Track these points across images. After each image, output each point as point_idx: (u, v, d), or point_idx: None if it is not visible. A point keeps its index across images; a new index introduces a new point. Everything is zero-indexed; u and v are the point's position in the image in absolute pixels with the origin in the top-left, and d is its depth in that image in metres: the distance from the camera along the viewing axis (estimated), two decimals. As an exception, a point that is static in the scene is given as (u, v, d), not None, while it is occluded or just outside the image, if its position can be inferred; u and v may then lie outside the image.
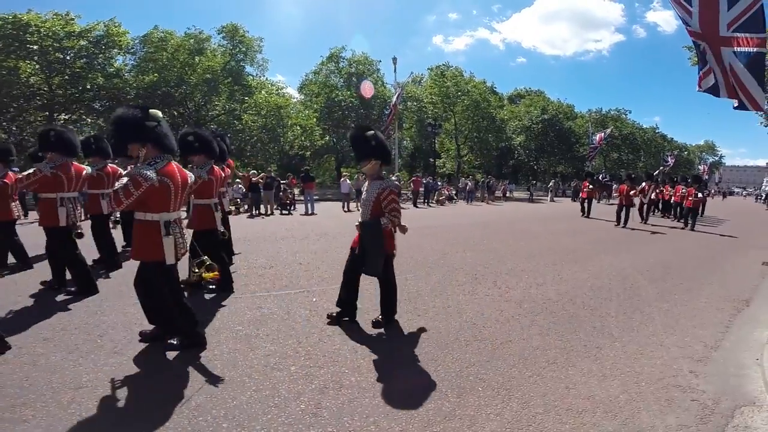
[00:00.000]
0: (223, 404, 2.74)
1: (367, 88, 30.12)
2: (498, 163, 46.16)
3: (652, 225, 14.36)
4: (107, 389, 2.90)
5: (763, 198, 22.22)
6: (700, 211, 17.74)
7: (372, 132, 4.05)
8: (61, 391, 2.84)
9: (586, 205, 16.67)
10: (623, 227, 13.13)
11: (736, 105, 5.44)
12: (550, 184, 34.39)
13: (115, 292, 5.19)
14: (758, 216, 22.17)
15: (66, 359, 3.32)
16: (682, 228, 13.42)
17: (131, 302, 4.75)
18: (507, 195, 31.92)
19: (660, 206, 18.38)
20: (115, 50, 26.68)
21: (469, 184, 27.61)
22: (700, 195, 13.63)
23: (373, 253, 3.93)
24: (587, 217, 16.20)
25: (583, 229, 12.92)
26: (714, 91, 5.52)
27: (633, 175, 15.82)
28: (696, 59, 5.95)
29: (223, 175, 5.71)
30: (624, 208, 13.58)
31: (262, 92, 32.49)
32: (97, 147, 6.33)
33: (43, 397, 2.76)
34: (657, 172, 18.53)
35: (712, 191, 57.46)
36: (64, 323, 4.09)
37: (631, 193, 13.85)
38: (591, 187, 16.96)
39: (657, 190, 17.29)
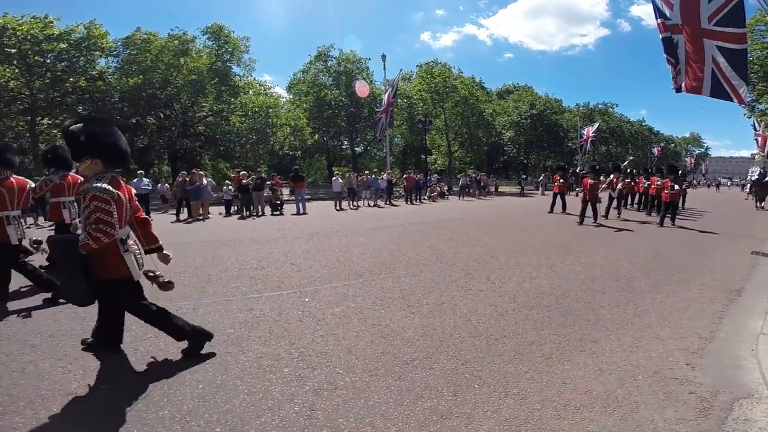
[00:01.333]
0: (216, 408, 2.68)
1: (362, 88, 30.05)
2: (489, 158, 46.37)
3: (624, 220, 13.25)
4: (97, 396, 2.85)
5: (747, 188, 21.92)
6: (681, 204, 16.82)
7: (80, 125, 3.14)
8: (50, 398, 2.80)
9: (559, 200, 15.34)
10: (594, 224, 11.84)
11: (708, 94, 5.47)
12: (540, 178, 34.60)
13: (102, 297, 5.08)
14: (741, 206, 21.40)
15: (55, 366, 3.27)
16: (659, 225, 11.79)
17: (119, 307, 4.67)
18: (498, 190, 32.10)
19: (637, 200, 17.43)
20: (97, 52, 26.32)
21: (463, 179, 27.70)
22: (677, 187, 12.04)
23: (68, 277, 3.13)
24: (563, 212, 14.92)
25: (571, 221, 12.92)
26: (678, 84, 5.55)
27: (598, 167, 14.63)
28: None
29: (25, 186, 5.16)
30: (589, 204, 12.23)
31: (250, 92, 32.24)
32: (54, 156, 6.08)
33: (32, 405, 2.72)
34: (627, 162, 17.30)
35: (699, 182, 58.33)
36: (52, 330, 4.02)
37: (602, 186, 12.93)
38: (562, 180, 15.76)
39: (629, 183, 16.26)
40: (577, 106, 56.39)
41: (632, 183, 16.87)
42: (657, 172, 16.59)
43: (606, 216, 13.32)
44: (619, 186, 14.51)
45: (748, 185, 19.72)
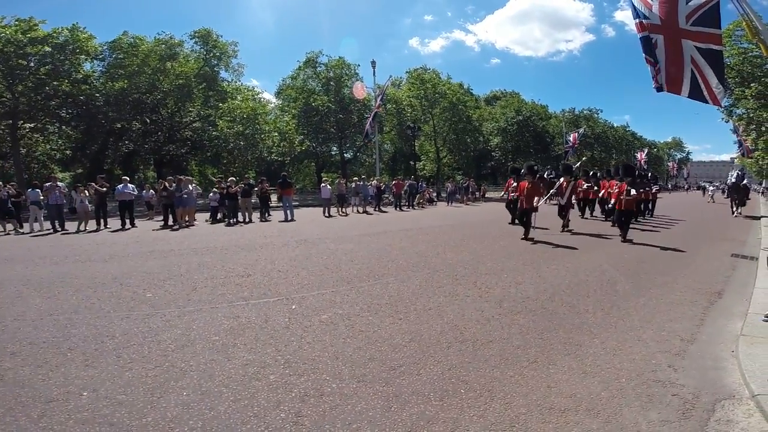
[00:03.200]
0: (200, 415, 2.65)
1: (359, 89, 30.04)
2: (476, 164, 46.73)
3: (571, 232, 11.36)
4: (79, 402, 2.80)
5: (725, 192, 20.79)
6: (649, 211, 16.01)
7: None
8: (30, 406, 2.77)
9: (514, 207, 12.69)
10: (524, 238, 9.90)
11: (686, 95, 5.57)
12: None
13: (86, 304, 5.01)
14: (716, 212, 20.02)
15: (35, 373, 3.23)
16: (622, 239, 9.90)
17: (102, 314, 4.62)
18: (485, 195, 32.31)
19: (596, 207, 15.78)
20: (82, 56, 25.91)
21: (450, 186, 27.86)
22: (633, 192, 9.93)
23: None
24: (513, 223, 12.84)
25: (557, 227, 12.97)
26: (659, 83, 5.63)
27: (536, 167, 11.87)
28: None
29: None
30: (524, 213, 10.20)
31: (238, 98, 32.08)
32: None
33: (12, 412, 2.70)
34: (578, 164, 14.32)
35: (683, 186, 59.37)
36: (31, 337, 3.97)
37: (545, 191, 11.36)
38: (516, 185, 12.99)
39: (591, 187, 14.81)
40: (562, 111, 57.30)
41: (593, 187, 15.06)
42: (615, 175, 13.95)
43: (566, 226, 11.75)
44: (567, 192, 12.10)
45: (724, 189, 19.43)
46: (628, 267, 7.09)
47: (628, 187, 10.07)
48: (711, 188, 31.18)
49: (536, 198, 9.93)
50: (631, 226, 12.46)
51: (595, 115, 58.60)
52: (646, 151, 55.02)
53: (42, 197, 13.54)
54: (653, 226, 13.41)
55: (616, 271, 6.73)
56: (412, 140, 35.68)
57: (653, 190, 16.60)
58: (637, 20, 5.62)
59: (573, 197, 12.75)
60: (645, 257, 8.05)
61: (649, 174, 20.16)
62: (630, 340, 3.93)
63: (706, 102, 5.43)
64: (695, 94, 5.46)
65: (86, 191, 13.99)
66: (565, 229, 11.74)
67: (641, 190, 13.17)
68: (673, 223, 14.73)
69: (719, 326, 4.30)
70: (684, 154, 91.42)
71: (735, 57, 18.92)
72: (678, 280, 6.24)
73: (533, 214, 10.02)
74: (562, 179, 12.74)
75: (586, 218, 15.26)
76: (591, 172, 17.77)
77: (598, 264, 7.32)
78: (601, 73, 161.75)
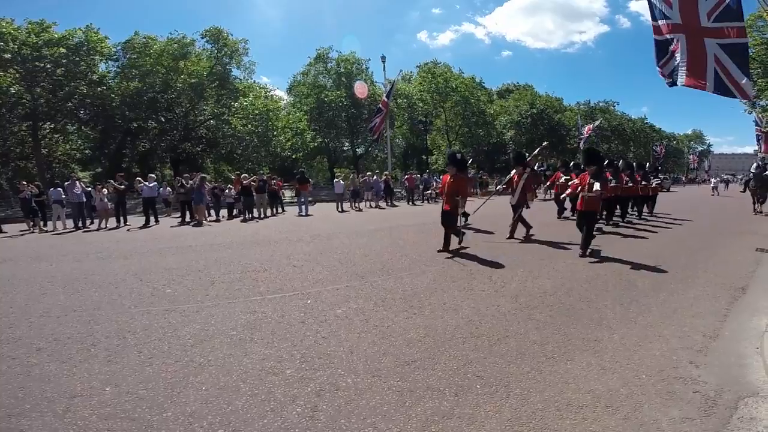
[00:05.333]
0: (219, 410, 2.69)
1: (361, 89, 30.04)
2: (490, 158, 46.31)
3: (518, 240, 9.02)
4: (102, 398, 2.87)
5: (744, 184, 18.63)
6: (649, 209, 13.72)
7: None
8: (56, 401, 2.83)
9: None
10: (440, 250, 7.71)
11: (710, 89, 5.45)
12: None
13: (107, 300, 5.13)
14: (734, 208, 17.32)
15: (60, 369, 3.31)
16: (580, 253, 7.32)
17: (124, 310, 4.72)
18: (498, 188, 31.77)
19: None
20: (97, 57, 26.35)
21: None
22: (597, 187, 7.24)
23: None
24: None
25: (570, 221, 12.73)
26: (674, 79, 5.52)
27: (458, 155, 8.69)
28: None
29: None
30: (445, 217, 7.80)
31: (250, 95, 32.29)
32: None
33: (38, 407, 2.76)
34: (537, 150, 11.56)
35: (704, 180, 57.95)
36: (56, 333, 4.07)
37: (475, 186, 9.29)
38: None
39: (562, 181, 12.41)
40: (577, 104, 56.39)
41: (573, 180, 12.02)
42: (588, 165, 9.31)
43: (511, 234, 9.25)
44: (519, 187, 9.37)
45: (745, 180, 17.64)
46: (647, 261, 6.93)
47: (591, 180, 7.44)
48: (714, 180, 30.66)
49: (460, 199, 7.67)
50: (621, 225, 11.14)
51: (612, 108, 57.54)
52: (664, 143, 53.86)
53: (64, 196, 13.88)
54: (648, 228, 10.97)
55: (636, 265, 6.60)
56: (424, 135, 35.49)
57: (652, 184, 14.08)
58: (655, 22, 5.51)
59: (534, 193, 10.15)
60: (664, 251, 7.87)
61: (646, 165, 17.13)
62: (650, 335, 3.85)
63: (734, 96, 5.32)
64: (721, 89, 5.35)
65: (105, 188, 14.27)
66: (512, 236, 9.15)
67: (617, 184, 11.28)
68: (674, 224, 11.82)
69: (743, 322, 4.18)
70: (705, 147, 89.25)
71: (758, 47, 18.37)
72: (699, 274, 6.10)
73: (455, 218, 7.76)
74: (513, 172, 9.96)
75: (566, 217, 12.63)
76: (543, 164, 15.36)
77: (616, 258, 7.19)
78: (617, 65, 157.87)
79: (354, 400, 2.81)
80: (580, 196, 7.73)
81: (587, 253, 7.27)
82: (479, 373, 3.16)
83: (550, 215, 12.97)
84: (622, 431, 2.47)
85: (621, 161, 14.40)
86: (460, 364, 3.30)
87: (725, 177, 44.12)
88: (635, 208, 13.54)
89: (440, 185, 8.85)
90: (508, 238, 9.15)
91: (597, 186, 7.30)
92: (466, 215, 10.51)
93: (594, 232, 8.00)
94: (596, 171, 7.58)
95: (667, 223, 12.18)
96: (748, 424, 2.52)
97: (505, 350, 3.56)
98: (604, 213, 11.25)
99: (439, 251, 7.69)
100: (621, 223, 11.65)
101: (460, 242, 7.99)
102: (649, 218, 13.17)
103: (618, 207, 12.14)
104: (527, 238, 9.12)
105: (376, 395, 2.86)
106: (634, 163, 14.80)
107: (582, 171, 9.29)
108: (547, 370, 3.21)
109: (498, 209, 11.69)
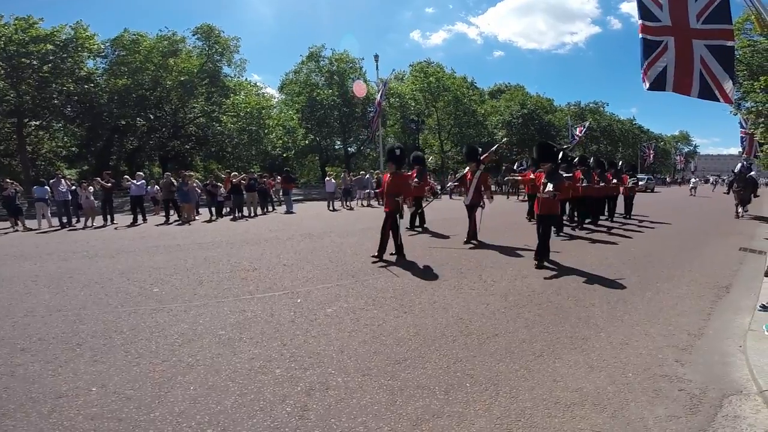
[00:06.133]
0: (207, 410, 2.67)
1: (359, 88, 29.91)
2: (533, 158, 46.42)
3: (473, 246, 8.21)
4: (88, 398, 2.83)
5: (726, 184, 18.06)
6: (626, 211, 13.16)
7: None
8: (41, 401, 2.80)
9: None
10: (374, 257, 7.00)
11: (695, 94, 5.49)
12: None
13: (93, 299, 5.05)
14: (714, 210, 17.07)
15: (45, 369, 3.27)
16: (536, 264, 6.52)
17: (110, 310, 4.65)
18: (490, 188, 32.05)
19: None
20: (85, 54, 25.92)
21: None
22: (550, 187, 6.47)
23: None
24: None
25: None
26: (658, 84, 5.55)
27: (397, 150, 7.46)
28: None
29: None
30: (388, 225, 7.04)
31: (241, 93, 32.05)
32: None
33: (23, 407, 2.73)
34: (494, 148, 10.85)
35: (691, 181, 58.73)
36: (41, 333, 4.01)
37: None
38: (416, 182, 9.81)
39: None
40: (568, 105, 56.92)
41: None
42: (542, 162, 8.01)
43: (468, 239, 8.50)
44: (473, 186, 8.54)
45: (729, 181, 17.16)
46: (635, 260, 7.04)
47: (545, 180, 6.68)
48: (693, 181, 31.43)
49: (401, 199, 6.94)
50: (594, 230, 10.30)
51: (601, 109, 58.15)
52: (653, 144, 54.48)
53: (49, 194, 13.63)
54: (619, 232, 10.19)
55: (623, 265, 6.70)
56: (416, 134, 35.52)
57: (629, 184, 13.46)
58: (642, 22, 5.53)
59: (491, 192, 8.96)
60: (652, 250, 7.99)
61: (620, 163, 15.73)
62: (637, 334, 3.91)
63: (718, 100, 5.37)
64: (705, 93, 5.39)
65: (91, 186, 14.05)
66: (471, 239, 8.45)
67: (590, 184, 10.56)
68: (649, 229, 10.86)
69: (727, 321, 4.26)
70: (691, 148, 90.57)
71: (744, 49, 18.68)
72: (685, 274, 6.20)
73: (393, 222, 7.02)
74: (466, 169, 9.07)
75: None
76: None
77: (605, 257, 7.28)
78: (608, 66, 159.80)
79: (344, 399, 2.80)
80: (536, 197, 6.97)
81: (543, 264, 6.51)
82: (469, 371, 3.18)
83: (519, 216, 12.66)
84: (609, 429, 2.50)
85: (591, 159, 12.95)
86: (450, 363, 3.31)
87: (711, 178, 44.92)
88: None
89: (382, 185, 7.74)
90: (466, 242, 8.41)
91: (550, 186, 6.48)
92: (421, 220, 10.49)
93: (560, 235, 7.96)
94: (551, 169, 6.79)
95: (642, 226, 11.40)
96: (733, 422, 2.56)
97: (495, 349, 3.58)
98: (575, 217, 10.94)
99: (373, 257, 6.98)
100: (594, 228, 10.84)
101: (397, 254, 7.12)
102: (624, 221, 12.37)
103: (594, 208, 11.51)
104: (468, 241, 8.44)
105: (367, 394, 2.86)
106: (605, 161, 13.66)
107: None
108: (536, 368, 3.24)
109: (459, 212, 10.38)
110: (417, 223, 10.67)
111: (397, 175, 7.20)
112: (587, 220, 11.33)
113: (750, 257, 7.41)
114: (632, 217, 13.24)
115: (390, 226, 7.05)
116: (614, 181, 12.49)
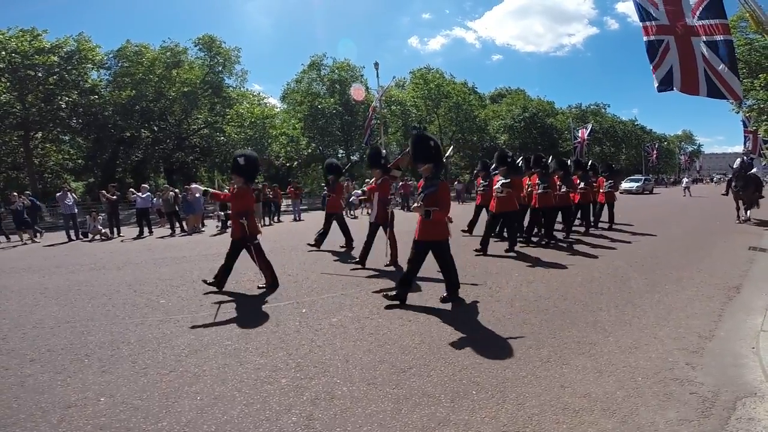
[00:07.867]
0: (214, 420, 2.67)
1: (358, 92, 30.04)
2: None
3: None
4: (96, 408, 2.85)
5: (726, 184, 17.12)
6: (610, 220, 11.17)
7: None
8: (50, 411, 2.82)
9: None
10: (355, 262, 7.18)
11: (704, 94, 5.45)
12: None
13: (101, 311, 5.08)
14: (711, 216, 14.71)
15: (54, 379, 3.30)
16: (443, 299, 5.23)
17: (117, 321, 4.67)
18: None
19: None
20: (89, 65, 26.22)
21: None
22: (501, 184, 6.81)
23: None
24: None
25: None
26: (667, 84, 5.51)
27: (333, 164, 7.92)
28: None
29: None
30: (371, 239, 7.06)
31: (244, 103, 32.28)
32: None
33: (33, 417, 2.75)
34: (400, 156, 9.10)
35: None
36: (50, 344, 4.04)
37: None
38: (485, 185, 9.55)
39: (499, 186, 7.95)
40: (569, 107, 56.99)
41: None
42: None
43: (392, 260, 7.16)
44: (376, 197, 7.31)
45: (727, 180, 15.56)
46: (642, 262, 6.97)
47: (499, 185, 7.01)
48: (686, 181, 31.18)
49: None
50: (557, 241, 8.76)
51: (603, 110, 58.12)
52: (656, 145, 54.16)
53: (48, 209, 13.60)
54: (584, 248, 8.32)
55: (630, 267, 6.64)
56: (418, 140, 35.50)
57: (604, 189, 11.53)
58: (643, 23, 5.52)
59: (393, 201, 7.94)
60: (659, 252, 7.92)
61: (590, 163, 12.46)
62: (645, 337, 3.86)
63: (726, 98, 5.32)
64: (713, 92, 5.34)
65: (98, 217, 13.86)
66: (394, 261, 7.04)
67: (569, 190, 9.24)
68: (626, 241, 9.16)
69: (738, 322, 4.20)
70: (695, 147, 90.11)
71: (742, 47, 18.62)
72: (694, 275, 6.13)
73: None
74: (373, 180, 7.96)
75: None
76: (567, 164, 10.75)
77: (611, 260, 7.23)
78: (607, 67, 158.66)
79: (350, 408, 2.79)
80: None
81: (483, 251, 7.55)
82: (475, 378, 3.15)
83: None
84: (619, 434, 2.46)
85: (552, 160, 10.30)
86: (455, 370, 3.29)
87: (716, 177, 44.50)
88: (584, 219, 10.72)
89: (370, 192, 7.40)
90: (387, 265, 7.01)
91: (501, 184, 7.42)
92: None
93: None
94: (506, 173, 7.59)
95: (613, 242, 9.12)
96: (747, 425, 2.52)
97: (501, 355, 3.55)
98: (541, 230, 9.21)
99: (354, 265, 6.96)
100: (551, 242, 8.79)
101: (392, 263, 6.85)
102: (594, 231, 10.63)
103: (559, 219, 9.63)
104: (346, 248, 7.98)
105: (372, 403, 2.84)
106: (570, 162, 11.33)
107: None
108: (543, 374, 3.20)
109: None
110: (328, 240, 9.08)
111: (386, 180, 7.16)
112: (534, 236, 9.30)
113: (760, 256, 7.32)
114: (616, 225, 11.28)
115: (392, 231, 6.98)
116: (581, 185, 10.34)
